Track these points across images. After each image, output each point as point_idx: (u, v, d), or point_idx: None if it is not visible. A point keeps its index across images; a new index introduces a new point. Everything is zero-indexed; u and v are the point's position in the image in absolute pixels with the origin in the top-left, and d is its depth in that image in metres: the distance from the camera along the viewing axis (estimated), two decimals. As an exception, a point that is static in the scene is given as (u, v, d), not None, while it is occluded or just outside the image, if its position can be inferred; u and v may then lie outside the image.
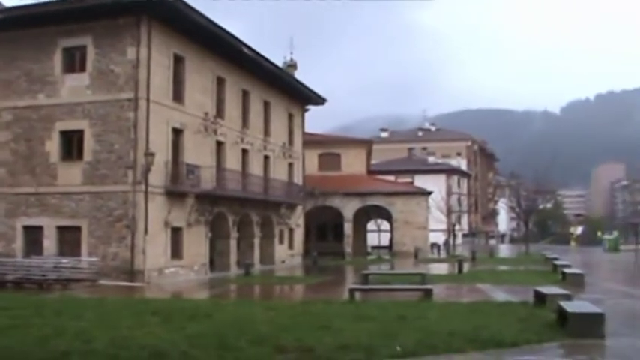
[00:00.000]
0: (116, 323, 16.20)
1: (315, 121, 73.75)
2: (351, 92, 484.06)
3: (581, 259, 61.41)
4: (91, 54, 34.86)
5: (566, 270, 33.26)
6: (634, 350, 13.95)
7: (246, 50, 42.73)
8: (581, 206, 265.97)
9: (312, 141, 65.76)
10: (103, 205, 33.93)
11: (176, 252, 36.76)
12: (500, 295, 25.54)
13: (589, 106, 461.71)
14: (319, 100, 59.80)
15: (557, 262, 40.55)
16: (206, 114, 40.47)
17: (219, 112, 42.63)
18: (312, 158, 69.00)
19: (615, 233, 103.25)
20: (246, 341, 13.30)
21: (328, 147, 74.18)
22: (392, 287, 26.33)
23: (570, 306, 15.99)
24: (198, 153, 39.08)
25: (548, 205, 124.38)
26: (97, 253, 33.13)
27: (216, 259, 43.40)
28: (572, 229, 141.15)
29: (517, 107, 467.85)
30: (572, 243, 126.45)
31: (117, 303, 22.02)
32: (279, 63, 54.80)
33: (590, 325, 14.83)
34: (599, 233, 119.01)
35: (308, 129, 63.95)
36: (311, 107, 61.91)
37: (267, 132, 50.49)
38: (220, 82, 42.97)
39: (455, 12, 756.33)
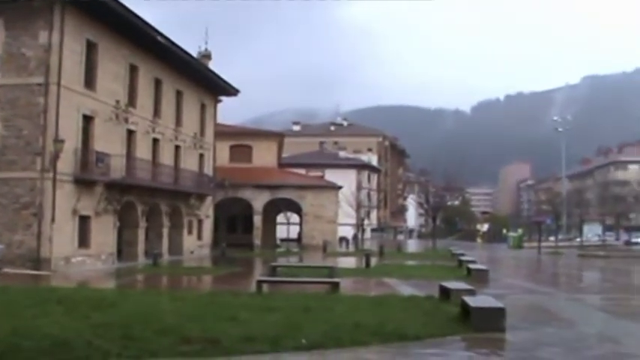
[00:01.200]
0: (19, 312, 15.85)
1: (228, 112, 73.78)
2: (265, 84, 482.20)
3: (486, 256, 62.70)
4: (1, 36, 34.11)
5: (471, 266, 33.87)
6: (532, 343, 14.34)
7: (160, 38, 42.39)
8: (488, 204, 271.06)
9: (224, 132, 65.48)
10: (9, 192, 33.29)
11: (83, 241, 36.32)
12: (406, 289, 25.87)
13: (499, 107, 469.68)
14: (232, 91, 59.62)
15: (463, 258, 41.20)
16: (117, 102, 40.02)
17: (131, 101, 42.21)
18: (224, 149, 68.72)
19: (520, 231, 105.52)
20: (152, 332, 13.19)
21: (240, 138, 74.04)
22: (299, 280, 26.43)
23: (473, 301, 16.34)
24: (108, 141, 38.62)
25: (456, 202, 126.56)
26: (2, 241, 32.44)
27: (124, 248, 43.01)
28: (478, 226, 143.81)
29: (429, 105, 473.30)
30: (479, 240, 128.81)
31: (21, 291, 21.56)
32: (194, 53, 54.39)
33: (492, 320, 15.17)
34: (504, 230, 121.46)
35: (220, 120, 63.79)
36: (224, 98, 61.69)
37: (179, 122, 50.17)
38: (133, 69, 42.55)
39: (375, 9, 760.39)
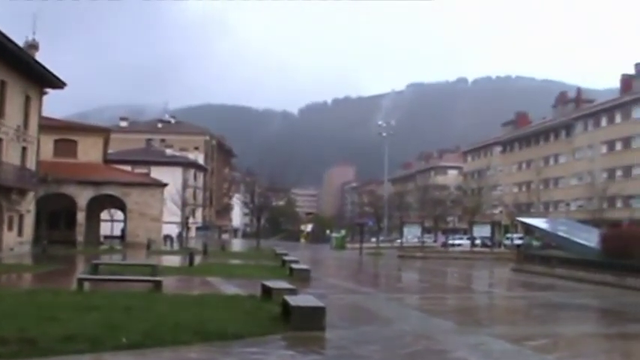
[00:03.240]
0: None
1: (54, 105, 71.25)
2: (93, 79, 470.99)
3: (309, 256, 63.58)
4: None
5: (294, 266, 34.36)
6: (350, 341, 14.77)
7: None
8: (312, 205, 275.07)
9: (48, 126, 63.44)
10: None
11: None
12: (229, 288, 26.00)
13: (326, 110, 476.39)
14: (59, 84, 57.84)
15: (286, 258, 41.74)
16: None
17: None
18: (48, 143, 66.65)
19: (343, 232, 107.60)
20: (-37, 332, 12.77)
21: (65, 133, 72.06)
22: (122, 278, 26.06)
23: (294, 300, 16.63)
24: None
25: (281, 203, 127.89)
26: None
27: None
28: (302, 227, 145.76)
29: (257, 105, 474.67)
30: (303, 240, 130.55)
31: None
32: (21, 43, 52.38)
33: (312, 319, 15.48)
34: (328, 231, 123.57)
35: (46, 113, 61.78)
36: (50, 91, 59.81)
37: (1, 113, 48.28)
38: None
39: (207, 8, 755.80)
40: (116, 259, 49.09)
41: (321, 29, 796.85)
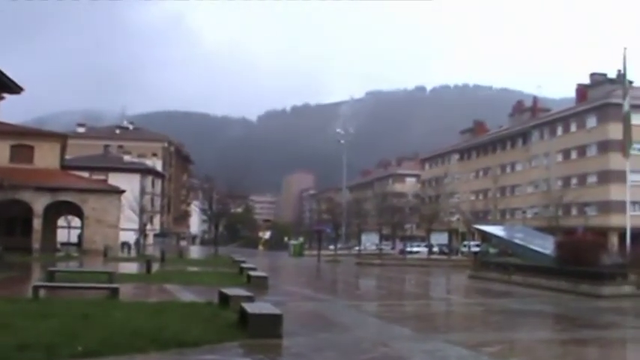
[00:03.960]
0: None
1: (10, 110, 70.43)
2: (49, 84, 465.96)
3: (267, 263, 63.58)
4: None
5: (252, 273, 34.32)
6: (308, 349, 14.82)
7: None
8: (271, 212, 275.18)
9: (4, 131, 62.75)
10: None
11: None
12: (186, 295, 25.91)
13: (285, 117, 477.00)
14: (16, 89, 57.09)
15: (244, 265, 41.68)
16: None
17: None
18: (4, 149, 66.04)
19: (301, 239, 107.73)
20: None
21: (21, 138, 71.34)
22: (78, 285, 25.84)
23: (251, 307, 16.63)
24: None
25: (240, 210, 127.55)
26: None
27: None
28: (261, 234, 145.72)
29: (216, 112, 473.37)
30: (261, 247, 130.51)
31: None
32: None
33: (269, 326, 15.48)
34: (286, 238, 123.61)
35: (2, 118, 61.07)
36: (6, 96, 59.07)
37: (-46, 119, 47.70)
38: None
39: (164, 14, 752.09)
40: (73, 266, 48.61)
41: (281, 36, 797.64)
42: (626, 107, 42.28)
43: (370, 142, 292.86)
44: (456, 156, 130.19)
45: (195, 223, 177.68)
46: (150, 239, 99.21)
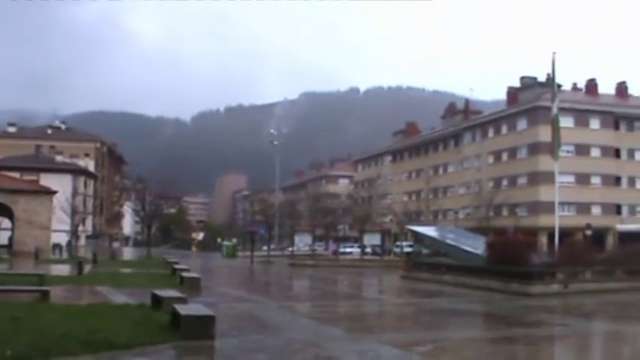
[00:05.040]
0: None
1: None
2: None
3: (200, 264, 63.38)
4: None
5: (185, 274, 34.22)
6: (240, 350, 14.93)
7: None
8: (204, 213, 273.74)
9: None
10: None
11: None
12: (119, 297, 25.71)
13: (219, 118, 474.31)
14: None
15: (177, 267, 41.50)
16: None
17: None
18: None
19: (234, 240, 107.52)
20: None
21: (-52, 139, 70.14)
22: (7, 288, 25.47)
23: (184, 309, 16.64)
24: None
25: (173, 211, 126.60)
26: None
27: None
28: (194, 235, 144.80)
29: (150, 112, 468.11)
30: (194, 248, 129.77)
31: None
32: None
33: (202, 327, 15.51)
34: (219, 239, 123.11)
35: None
36: None
37: None
38: None
39: (98, 13, 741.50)
40: (2, 268, 47.76)
41: (215, 36, 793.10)
42: (554, 110, 43.10)
43: (304, 143, 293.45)
44: (389, 157, 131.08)
45: (129, 225, 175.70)
46: (82, 241, 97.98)
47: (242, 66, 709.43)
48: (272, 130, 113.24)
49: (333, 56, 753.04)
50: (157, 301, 20.83)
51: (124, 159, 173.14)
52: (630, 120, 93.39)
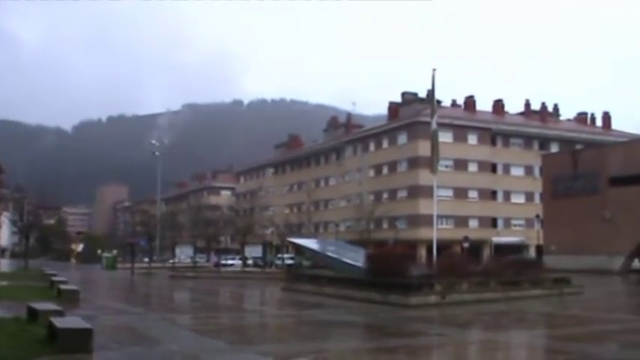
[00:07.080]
0: None
1: None
2: None
3: (80, 276, 62.18)
4: None
5: (63, 286, 33.63)
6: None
7: None
8: (84, 224, 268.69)
9: None
10: None
11: None
12: (-7, 311, 25.11)
13: (100, 127, 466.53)
14: None
15: (55, 279, 40.69)
16: None
17: None
18: None
19: (114, 252, 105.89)
20: None
21: None
22: None
23: (61, 322, 16.39)
24: None
25: (52, 221, 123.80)
26: None
27: None
28: (73, 246, 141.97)
29: (29, 120, 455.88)
30: (73, 260, 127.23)
31: None
32: None
33: (79, 341, 15.30)
34: (99, 251, 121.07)
35: None
36: None
37: None
38: None
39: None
40: None
41: (98, 44, 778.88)
42: (434, 125, 44.04)
43: (187, 155, 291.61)
44: (271, 169, 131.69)
45: (5, 236, 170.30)
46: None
47: (125, 75, 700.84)
48: (154, 141, 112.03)
49: (217, 68, 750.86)
50: (33, 314, 20.45)
51: (1, 167, 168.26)
52: (506, 136, 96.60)
